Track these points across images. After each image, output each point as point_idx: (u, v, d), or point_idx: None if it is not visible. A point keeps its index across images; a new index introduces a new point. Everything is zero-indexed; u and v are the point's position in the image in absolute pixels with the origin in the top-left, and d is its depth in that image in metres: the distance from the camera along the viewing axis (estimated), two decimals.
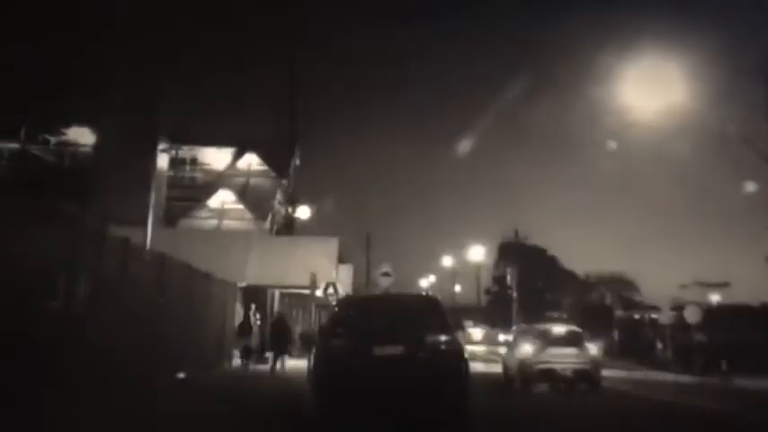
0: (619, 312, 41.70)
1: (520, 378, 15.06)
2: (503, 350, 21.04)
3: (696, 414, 11.69)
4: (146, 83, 21.01)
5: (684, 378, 21.49)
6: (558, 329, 16.24)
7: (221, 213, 32.33)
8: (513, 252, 56.76)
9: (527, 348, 15.11)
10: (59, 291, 9.27)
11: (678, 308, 27.86)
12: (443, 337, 8.32)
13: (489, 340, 49.87)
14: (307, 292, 20.57)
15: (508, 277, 57.48)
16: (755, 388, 17.90)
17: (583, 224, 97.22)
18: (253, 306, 21.56)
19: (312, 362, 9.98)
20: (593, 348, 15.58)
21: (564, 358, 14.67)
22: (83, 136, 30.54)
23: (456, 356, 8.31)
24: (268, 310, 25.98)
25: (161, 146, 21.53)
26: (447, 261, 59.65)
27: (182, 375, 14.19)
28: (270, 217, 33.83)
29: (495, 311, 52.82)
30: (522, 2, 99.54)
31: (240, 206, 32.86)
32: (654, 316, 33.94)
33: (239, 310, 21.22)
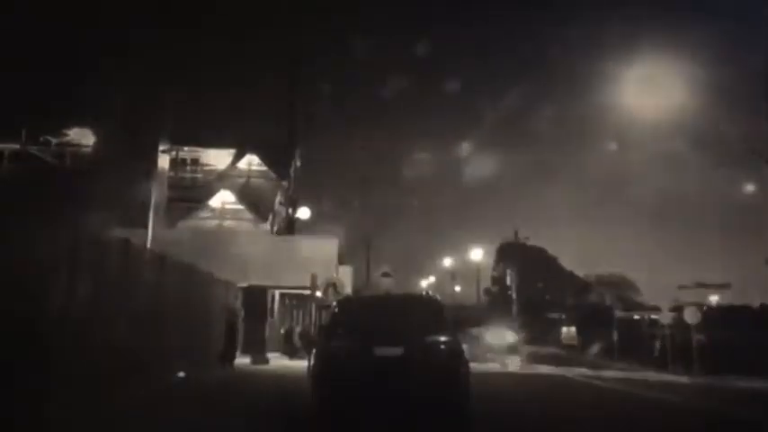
0: (619, 313, 41.59)
1: None
2: None
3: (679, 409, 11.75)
4: (147, 84, 21.06)
5: (683, 378, 21.52)
6: None
7: (222, 214, 32.31)
8: (513, 252, 56.70)
9: None
10: (60, 291, 9.29)
11: (677, 309, 27.88)
12: (444, 338, 8.33)
13: None
14: (307, 292, 20.60)
15: (508, 278, 57.45)
16: (754, 388, 17.95)
17: (583, 225, 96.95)
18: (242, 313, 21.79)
19: (312, 362, 10.00)
20: None
21: None
22: (84, 137, 30.56)
23: (456, 357, 8.33)
24: (268, 313, 26.02)
25: (161, 147, 21.60)
26: (447, 262, 59.68)
27: (182, 375, 14.23)
28: (270, 218, 33.79)
29: (495, 312, 52.69)
30: (523, 3, 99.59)
31: (240, 207, 32.83)
32: (654, 317, 33.86)
33: (241, 313, 21.31)
